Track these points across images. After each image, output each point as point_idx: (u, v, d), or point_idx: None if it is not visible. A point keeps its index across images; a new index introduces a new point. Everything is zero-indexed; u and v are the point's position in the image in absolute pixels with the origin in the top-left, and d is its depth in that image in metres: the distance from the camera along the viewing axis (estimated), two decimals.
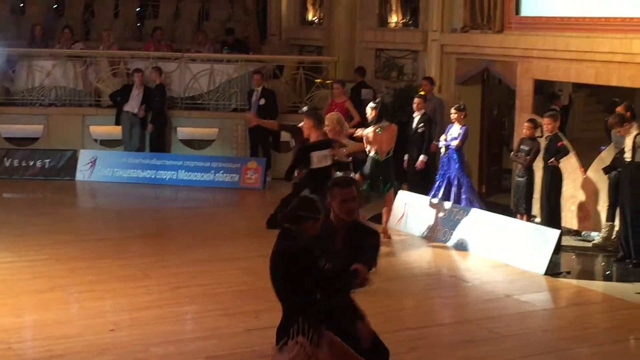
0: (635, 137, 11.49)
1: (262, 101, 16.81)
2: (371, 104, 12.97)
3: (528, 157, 12.45)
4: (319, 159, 11.70)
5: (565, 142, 12.56)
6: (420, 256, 12.28)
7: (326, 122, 11.96)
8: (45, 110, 17.69)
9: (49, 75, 17.87)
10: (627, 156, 11.59)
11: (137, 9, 23.37)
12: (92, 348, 8.28)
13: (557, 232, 11.62)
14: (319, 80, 17.91)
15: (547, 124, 12.37)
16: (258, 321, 8.93)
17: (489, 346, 8.70)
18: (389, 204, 12.84)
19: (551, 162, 12.24)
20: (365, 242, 5.96)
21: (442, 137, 13.53)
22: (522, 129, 12.95)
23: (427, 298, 10.44)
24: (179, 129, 17.81)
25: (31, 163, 16.96)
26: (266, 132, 17.09)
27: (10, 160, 16.90)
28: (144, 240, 12.78)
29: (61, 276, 10.59)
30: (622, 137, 11.80)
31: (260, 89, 16.96)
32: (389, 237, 12.57)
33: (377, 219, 13.00)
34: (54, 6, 22.99)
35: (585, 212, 13.09)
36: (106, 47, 18.86)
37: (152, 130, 17.17)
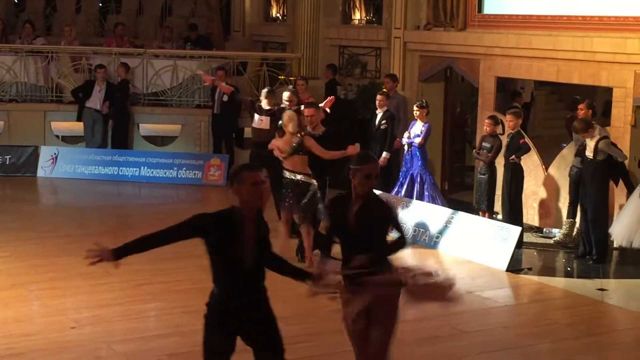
0: (597, 142, 11.60)
1: (225, 97, 16.75)
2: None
3: (490, 155, 12.52)
4: (257, 122, 13.16)
5: (527, 139, 12.65)
6: None
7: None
8: (6, 106, 17.48)
9: (9, 71, 17.69)
10: (589, 154, 11.69)
11: (100, 4, 23.20)
12: (53, 346, 8.22)
13: (518, 228, 11.71)
14: (282, 77, 17.89)
15: (509, 121, 12.45)
16: None
17: (451, 342, 8.75)
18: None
19: (512, 159, 12.32)
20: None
21: (405, 134, 13.56)
22: (484, 127, 13.02)
23: None
24: (141, 125, 17.71)
25: None
26: (229, 129, 17.07)
27: None
28: (105, 237, 12.47)
29: (21, 273, 10.51)
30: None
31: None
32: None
33: None
34: (15, 0, 22.76)
35: (547, 209, 13.21)
36: (68, 42, 18.69)
37: (112, 126, 17.05)
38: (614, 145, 11.75)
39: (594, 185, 11.70)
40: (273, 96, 13.42)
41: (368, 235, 6.25)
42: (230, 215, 5.96)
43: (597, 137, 11.60)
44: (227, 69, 17.52)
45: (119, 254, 6.00)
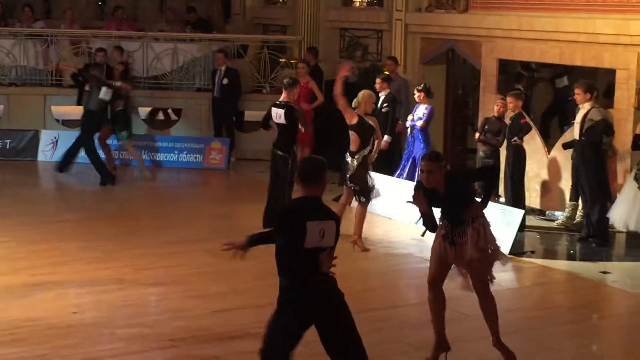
0: (587, 112, 11.54)
1: (225, 80, 16.69)
2: None
3: (498, 138, 12.45)
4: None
5: (528, 120, 12.60)
6: (386, 237, 12.26)
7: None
8: (6, 90, 17.42)
9: (9, 55, 17.61)
10: (576, 133, 11.66)
11: None
12: (56, 331, 8.19)
13: (521, 211, 11.66)
14: (283, 60, 17.81)
15: (509, 103, 12.41)
16: (223, 303, 8.90)
17: (454, 326, 8.67)
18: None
19: (514, 140, 12.27)
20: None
21: (409, 117, 13.51)
22: (486, 109, 12.96)
23: (392, 279, 10.45)
24: (141, 108, 17.63)
25: None
26: (230, 112, 16.99)
27: None
28: (106, 221, 12.65)
29: (23, 258, 10.48)
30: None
31: (223, 68, 16.83)
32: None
33: None
34: None
35: (550, 191, 13.16)
36: (68, 25, 18.61)
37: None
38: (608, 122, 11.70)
39: (584, 166, 11.66)
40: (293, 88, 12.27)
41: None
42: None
43: (587, 109, 11.54)
44: (227, 51, 17.43)
45: (250, 244, 6.35)
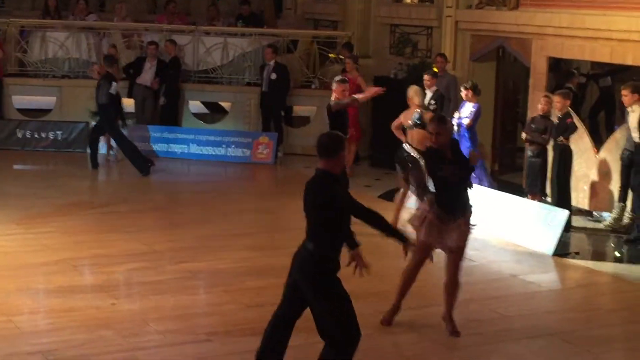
0: None
1: (274, 75, 16.71)
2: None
3: (545, 137, 12.30)
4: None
5: (576, 119, 12.41)
6: None
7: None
8: (58, 82, 17.64)
9: (62, 47, 17.83)
10: (635, 136, 11.44)
11: None
12: (93, 322, 8.27)
13: (566, 212, 11.49)
14: (332, 55, 17.77)
15: (557, 102, 12.24)
16: (260, 298, 8.89)
17: (492, 326, 8.63)
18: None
19: (561, 140, 12.10)
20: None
21: (456, 115, 13.39)
22: (535, 108, 12.80)
23: (430, 277, 10.33)
24: (191, 102, 17.75)
25: (43, 135, 16.91)
26: (278, 107, 16.99)
27: (22, 131, 16.87)
28: (152, 213, 12.75)
29: (66, 249, 10.58)
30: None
31: (272, 63, 16.86)
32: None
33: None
34: None
35: (598, 192, 12.95)
36: (120, 19, 18.80)
37: (164, 103, 17.11)
38: None
39: (638, 167, 11.45)
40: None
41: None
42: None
43: (638, 111, 11.34)
44: (276, 46, 17.46)
45: (356, 245, 6.75)
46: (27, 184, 14.18)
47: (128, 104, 17.42)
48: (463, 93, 13.21)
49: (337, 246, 6.47)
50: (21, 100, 17.79)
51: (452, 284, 8.40)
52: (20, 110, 17.55)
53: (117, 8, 19.14)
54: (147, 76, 17.03)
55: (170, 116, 17.29)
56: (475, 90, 13.21)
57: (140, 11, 21.22)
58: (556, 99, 12.23)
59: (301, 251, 6.49)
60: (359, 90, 15.55)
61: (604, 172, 12.83)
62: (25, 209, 12.37)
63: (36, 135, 16.91)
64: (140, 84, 17.07)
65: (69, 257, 10.25)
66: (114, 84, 15.06)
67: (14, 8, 20.79)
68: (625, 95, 11.64)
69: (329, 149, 6.44)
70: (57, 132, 16.95)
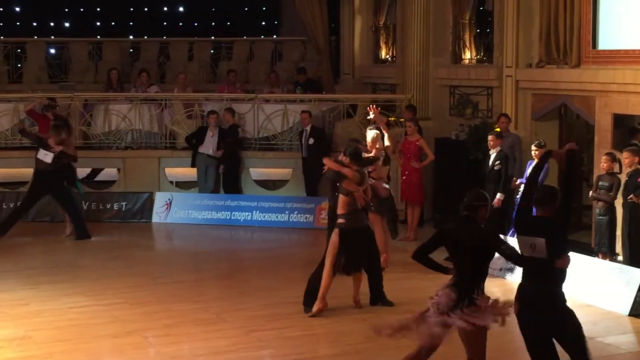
0: None
1: (311, 140, 16.80)
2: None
3: (611, 194, 12.10)
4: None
5: None
6: (496, 295, 11.93)
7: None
8: (122, 154, 17.90)
9: (125, 119, 18.09)
10: None
11: (211, 51, 23.62)
12: None
13: None
14: (392, 118, 17.77)
15: (625, 159, 12.06)
16: None
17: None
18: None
19: (630, 198, 11.89)
20: None
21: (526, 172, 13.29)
22: (601, 165, 12.64)
23: (504, 339, 10.14)
24: (252, 169, 17.84)
25: (108, 206, 17.12)
26: (320, 171, 16.96)
27: (87, 203, 17.07)
28: (218, 282, 12.74)
29: (137, 320, 10.59)
30: None
31: (308, 128, 16.96)
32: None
33: None
34: (130, 50, 23.37)
35: None
36: (181, 89, 19.07)
37: (223, 170, 17.23)
38: None
39: None
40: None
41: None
42: None
43: None
44: (336, 112, 17.53)
45: None
46: (95, 255, 14.29)
47: (190, 173, 17.59)
48: (535, 152, 13.09)
49: None
50: (86, 172, 18.01)
51: None
52: (83, 182, 17.74)
53: (178, 79, 19.41)
54: (209, 145, 17.19)
55: (232, 184, 17.39)
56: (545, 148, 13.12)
57: (200, 81, 21.58)
58: (625, 155, 12.07)
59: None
60: (421, 152, 15.56)
61: None
62: (94, 280, 12.45)
63: (101, 207, 17.09)
64: (203, 153, 17.23)
65: (140, 328, 10.24)
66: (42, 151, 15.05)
67: (77, 82, 21.25)
68: None
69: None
70: (122, 202, 17.12)
